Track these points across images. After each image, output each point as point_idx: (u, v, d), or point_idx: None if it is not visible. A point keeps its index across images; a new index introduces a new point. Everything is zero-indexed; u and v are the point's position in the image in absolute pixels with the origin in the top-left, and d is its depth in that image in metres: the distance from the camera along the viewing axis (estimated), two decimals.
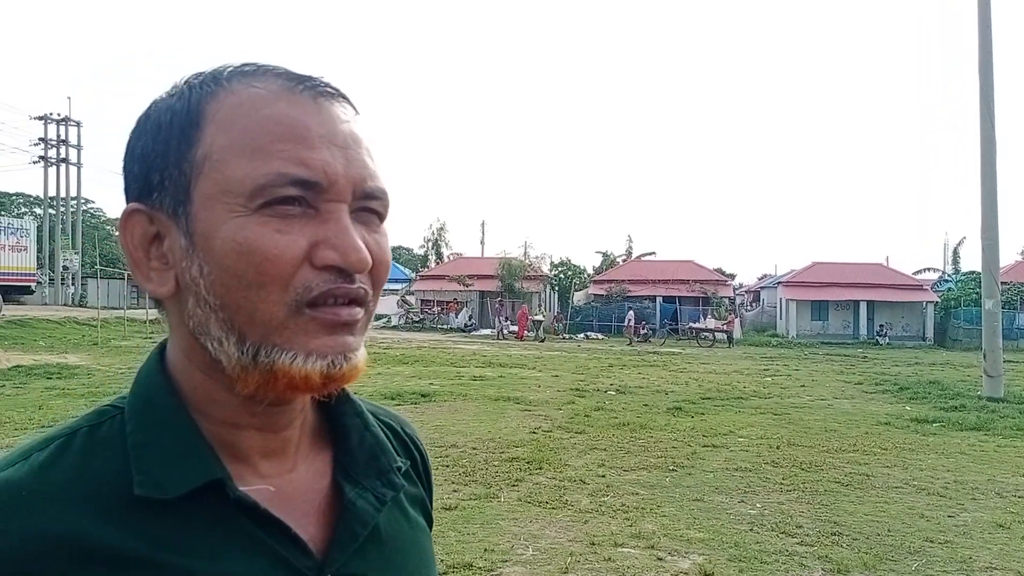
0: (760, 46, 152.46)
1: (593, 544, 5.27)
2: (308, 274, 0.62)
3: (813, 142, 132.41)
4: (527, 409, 11.97)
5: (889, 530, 5.80)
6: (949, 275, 56.05)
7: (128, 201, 0.67)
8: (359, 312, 0.65)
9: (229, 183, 0.62)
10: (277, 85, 0.65)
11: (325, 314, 0.63)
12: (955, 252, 59.23)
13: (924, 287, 47.01)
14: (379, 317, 45.48)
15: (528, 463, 7.86)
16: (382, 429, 0.79)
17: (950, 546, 5.48)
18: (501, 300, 42.17)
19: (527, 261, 48.23)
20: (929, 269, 59.05)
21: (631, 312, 39.81)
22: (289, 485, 0.69)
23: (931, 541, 5.59)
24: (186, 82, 0.68)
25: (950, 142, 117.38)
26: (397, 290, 48.84)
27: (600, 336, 41.64)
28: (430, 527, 0.84)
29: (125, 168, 0.68)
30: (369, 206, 0.66)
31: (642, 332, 39.10)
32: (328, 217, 0.63)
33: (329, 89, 0.66)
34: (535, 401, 12.94)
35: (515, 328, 39.30)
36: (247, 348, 0.62)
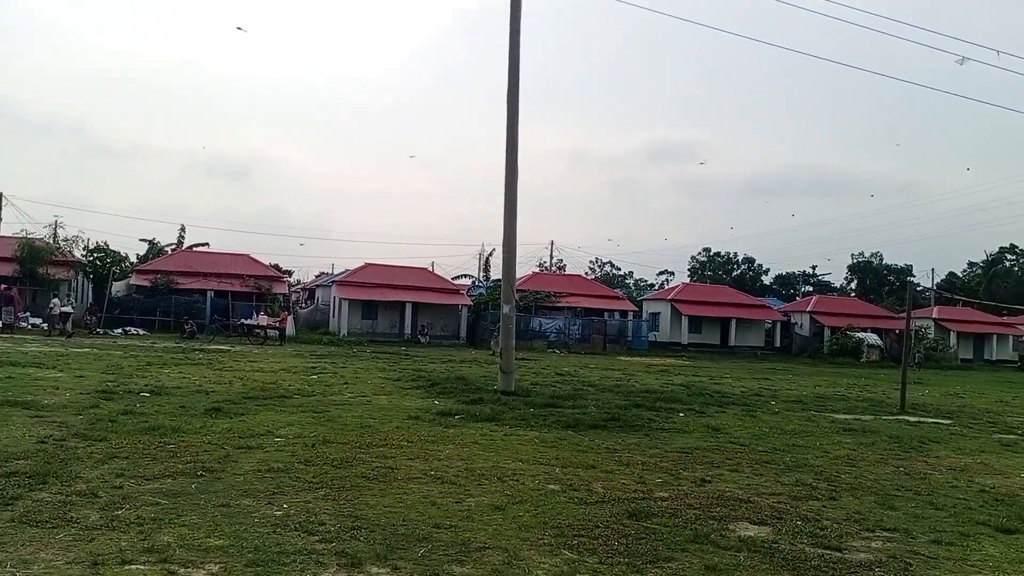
0: None
1: (96, 564, 4.80)
2: None
3: (373, 152, 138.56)
4: (38, 415, 10.51)
5: (404, 520, 6.26)
6: (481, 281, 63.05)
7: None
8: None
9: None
10: None
11: None
12: (487, 261, 66.84)
13: (461, 291, 52.15)
14: None
15: (30, 478, 6.89)
16: None
17: (454, 530, 6.09)
18: (8, 287, 36.25)
19: (55, 243, 42.47)
20: (465, 275, 65.75)
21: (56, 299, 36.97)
22: None
23: (439, 527, 6.15)
24: None
25: (496, 160, 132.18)
26: None
27: (142, 332, 38.41)
28: None
29: None
30: None
31: (188, 328, 37.04)
32: None
33: None
34: (50, 406, 11.43)
35: (36, 319, 34.33)
36: None
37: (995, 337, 59.80)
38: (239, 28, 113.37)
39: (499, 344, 35.51)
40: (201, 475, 7.46)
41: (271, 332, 37.22)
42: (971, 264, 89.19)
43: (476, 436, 10.89)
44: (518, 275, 55.77)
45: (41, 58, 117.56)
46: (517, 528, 6.24)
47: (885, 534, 6.65)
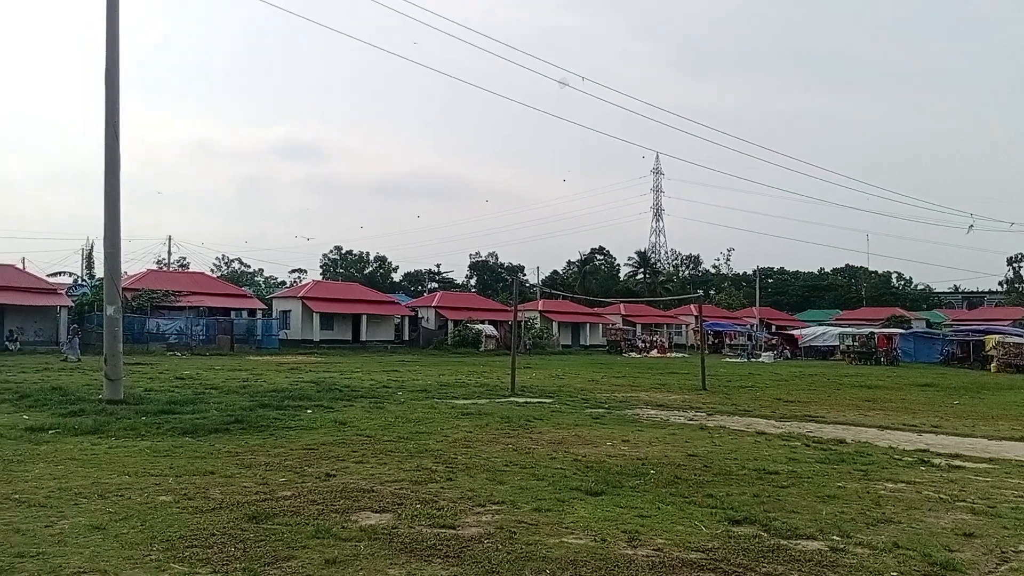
0: None
1: None
2: None
3: None
4: None
5: None
6: (85, 280, 56.37)
7: None
8: None
9: None
10: None
11: None
12: (90, 257, 60.02)
13: (59, 291, 46.11)
14: None
15: None
16: None
17: (42, 557, 5.36)
18: None
19: None
20: (65, 272, 58.32)
21: None
22: None
23: (23, 556, 5.37)
24: None
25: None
26: None
27: None
28: None
29: None
30: None
31: None
32: None
33: None
34: None
35: None
36: None
37: (588, 325, 68.48)
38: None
39: (73, 350, 32.24)
40: None
41: None
42: (569, 263, 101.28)
43: (74, 451, 9.73)
44: (133, 272, 51.13)
45: None
46: (120, 547, 5.67)
47: (495, 507, 7.22)
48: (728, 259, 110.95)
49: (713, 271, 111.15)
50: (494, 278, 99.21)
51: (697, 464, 9.88)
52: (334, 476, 8.50)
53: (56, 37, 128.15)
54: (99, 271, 56.01)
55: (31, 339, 41.31)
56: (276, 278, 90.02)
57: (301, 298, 55.08)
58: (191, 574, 5.11)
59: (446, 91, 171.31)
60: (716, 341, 63.34)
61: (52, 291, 45.02)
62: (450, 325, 59.33)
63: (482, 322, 58.90)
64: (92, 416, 12.84)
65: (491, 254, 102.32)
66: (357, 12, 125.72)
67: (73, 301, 44.73)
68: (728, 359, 50.32)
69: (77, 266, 66.48)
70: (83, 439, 10.71)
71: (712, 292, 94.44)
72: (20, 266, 50.58)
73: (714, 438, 12.45)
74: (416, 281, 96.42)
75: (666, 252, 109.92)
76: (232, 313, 50.44)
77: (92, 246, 62.45)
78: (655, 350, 58.70)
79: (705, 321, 52.29)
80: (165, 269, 63.62)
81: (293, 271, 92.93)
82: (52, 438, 10.75)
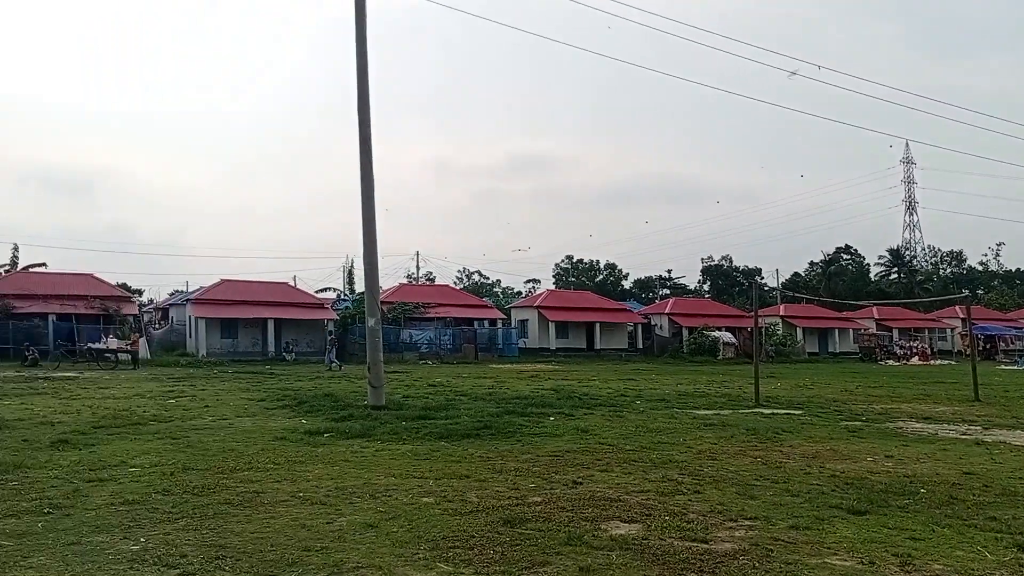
0: None
1: None
2: None
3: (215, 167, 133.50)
4: None
5: (272, 545, 6.03)
6: (346, 295, 61.92)
7: None
8: None
9: None
10: None
11: None
12: (350, 274, 65.80)
13: (325, 305, 51.04)
14: None
15: None
16: None
17: (326, 552, 5.92)
18: None
19: None
20: (330, 288, 64.43)
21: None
22: None
23: (308, 550, 5.96)
24: None
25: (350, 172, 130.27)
26: None
27: None
28: None
29: None
30: None
31: (29, 356, 34.39)
32: None
33: None
34: None
35: None
36: None
37: (837, 331, 64.26)
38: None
39: (334, 361, 35.35)
40: (48, 512, 6.92)
41: (122, 356, 35.10)
42: (812, 264, 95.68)
43: (346, 453, 10.65)
44: (385, 287, 55.35)
45: None
46: (391, 545, 6.13)
47: (747, 523, 6.98)
48: (998, 254, 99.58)
49: (980, 268, 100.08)
50: (729, 282, 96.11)
51: (975, 483, 8.92)
52: (581, 484, 8.64)
53: (311, 71, 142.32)
54: (359, 286, 61.43)
55: (303, 350, 46.01)
56: (513, 288, 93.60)
57: (537, 307, 56.73)
58: (455, 574, 5.42)
59: (667, 93, 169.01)
60: (988, 346, 56.93)
61: (320, 306, 50.01)
62: (684, 332, 58.29)
63: (719, 329, 57.26)
64: (360, 421, 14.02)
65: (724, 257, 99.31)
66: (576, 20, 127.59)
67: (337, 314, 49.29)
68: (1004, 366, 45.03)
69: (340, 282, 73.27)
70: (353, 442, 11.71)
71: (980, 291, 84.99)
72: (292, 283, 56.67)
73: (993, 455, 11.19)
74: (647, 288, 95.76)
75: (922, 249, 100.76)
76: (475, 323, 53.05)
77: (352, 263, 68.51)
78: (916, 357, 53.87)
79: (974, 324, 47.14)
80: (414, 283, 68.27)
81: (528, 281, 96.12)
82: (327, 441, 11.87)
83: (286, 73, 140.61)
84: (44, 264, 50.69)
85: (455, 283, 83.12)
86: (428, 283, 70.32)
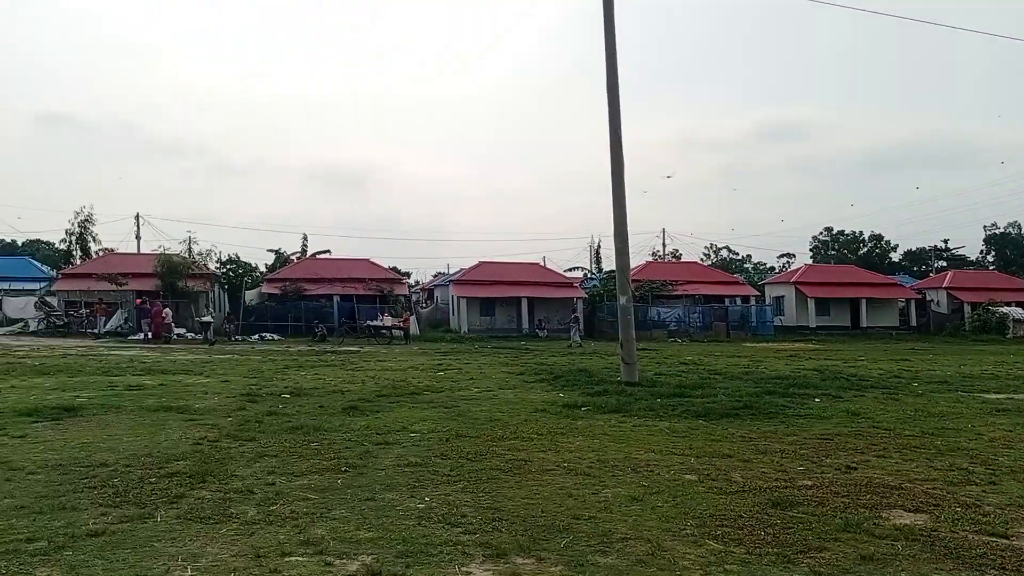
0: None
1: (258, 556, 5.06)
2: None
3: (478, 151, 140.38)
4: (192, 419, 11.18)
5: (542, 511, 6.31)
6: (594, 273, 62.76)
7: None
8: None
9: None
10: None
11: None
12: (597, 253, 66.52)
13: (574, 284, 52.13)
14: (14, 322, 39.80)
15: (190, 477, 7.34)
16: None
17: (593, 521, 6.08)
18: (146, 301, 38.73)
19: (191, 258, 45.07)
20: (577, 268, 65.60)
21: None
22: None
23: (577, 518, 6.16)
24: None
25: (596, 154, 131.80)
26: (35, 291, 42.96)
27: (276, 337, 40.27)
28: None
29: None
30: None
31: (318, 332, 38.57)
32: None
33: None
34: (201, 410, 12.14)
35: (180, 330, 36.64)
36: None
37: None
38: None
39: (580, 336, 35.84)
40: (345, 471, 7.75)
41: (396, 332, 38.32)
42: None
43: (605, 427, 10.83)
44: (631, 265, 55.42)
45: (163, 84, 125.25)
46: (657, 519, 6.16)
47: None
48: None
49: None
50: (1018, 252, 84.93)
51: None
52: (855, 469, 8.11)
53: (560, 53, 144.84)
54: (606, 265, 62.07)
55: (555, 327, 47.37)
56: (765, 264, 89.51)
57: (794, 283, 53.91)
58: (726, 552, 5.32)
59: (933, 46, 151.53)
60: None
61: (569, 284, 51.20)
62: (966, 308, 52.51)
63: (1007, 304, 50.91)
64: (614, 396, 14.19)
65: (1012, 224, 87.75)
66: None
67: (585, 293, 50.18)
68: None
69: (586, 261, 74.42)
70: (610, 417, 11.89)
71: None
72: (542, 263, 58.48)
73: None
74: (919, 260, 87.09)
75: None
76: (725, 300, 51.53)
77: (599, 243, 69.28)
78: None
79: None
80: (660, 261, 67.64)
81: (781, 256, 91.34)
82: (584, 415, 12.15)
83: (531, 56, 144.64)
84: (328, 251, 56.61)
85: (702, 260, 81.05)
86: (674, 260, 69.27)
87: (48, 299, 40.98)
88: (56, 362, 21.10)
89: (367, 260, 51.03)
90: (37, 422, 10.55)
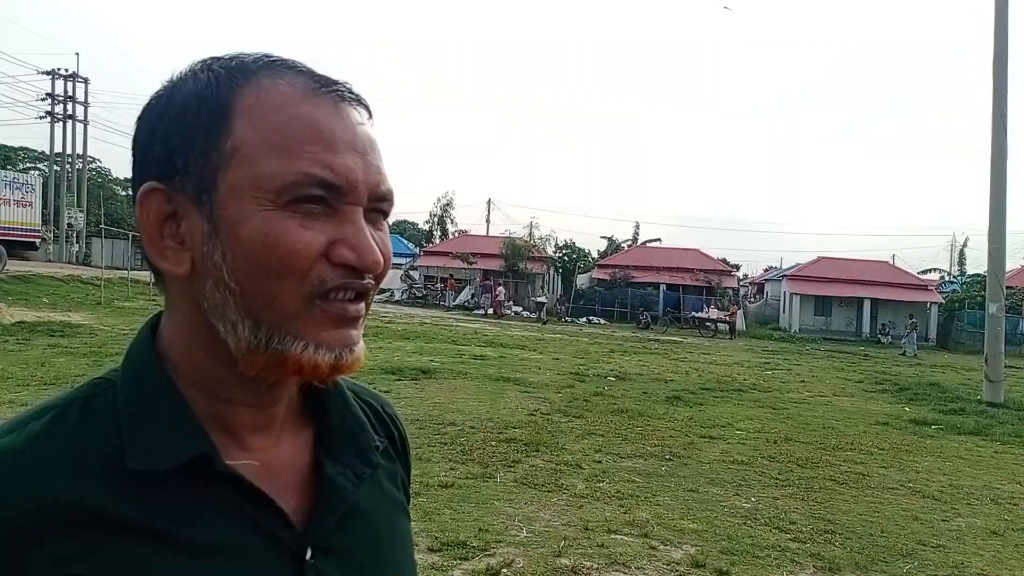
0: (765, 36, 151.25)
1: (587, 529, 5.28)
2: (323, 269, 0.66)
3: (823, 138, 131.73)
4: (526, 391, 11.98)
5: (883, 531, 5.80)
6: (955, 276, 55.92)
7: (144, 178, 0.69)
8: (363, 308, 0.70)
9: (259, 178, 0.65)
10: (303, 85, 0.68)
11: (335, 308, 0.67)
12: (961, 253, 59.06)
13: (929, 287, 46.91)
14: (383, 291, 45.74)
15: (525, 445, 7.87)
16: (362, 408, 0.82)
17: (943, 550, 5.48)
18: (490, 279, 41.99)
19: (532, 242, 48.09)
20: (934, 270, 58.90)
21: None
22: (274, 460, 0.73)
23: (924, 544, 5.59)
24: (208, 68, 0.69)
25: (963, 142, 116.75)
26: (401, 264, 48.83)
27: (602, 321, 41.60)
28: (407, 502, 0.87)
29: (141, 145, 0.70)
30: (379, 207, 0.71)
31: (643, 319, 39.11)
32: (346, 218, 0.67)
33: (350, 94, 0.70)
34: (535, 383, 12.95)
35: (517, 308, 39.40)
36: (261, 333, 0.66)
37: None
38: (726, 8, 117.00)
39: (910, 344, 31.56)
40: (669, 459, 7.79)
41: (721, 325, 37.56)
42: None
43: (959, 450, 9.67)
44: (1009, 269, 48.51)
45: None
46: (1021, 557, 5.37)
47: None
48: None
49: None
50: None
51: None
52: None
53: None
54: (970, 267, 55.02)
55: (899, 333, 43.09)
56: None
57: None
58: None
59: None
60: None
61: (923, 287, 46.15)
62: None
63: None
64: (972, 417, 12.60)
65: None
66: None
67: (942, 298, 44.92)
68: None
69: (944, 262, 66.55)
70: (966, 439, 10.58)
71: None
72: (891, 262, 53.38)
73: None
74: None
75: None
76: None
77: (965, 242, 61.52)
78: None
79: None
80: None
81: None
82: (935, 433, 10.92)
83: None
84: (659, 239, 57.08)
85: None
86: None
87: (412, 273, 46.49)
88: (415, 329, 23.83)
89: (696, 250, 50.54)
90: (400, 380, 12.00)
